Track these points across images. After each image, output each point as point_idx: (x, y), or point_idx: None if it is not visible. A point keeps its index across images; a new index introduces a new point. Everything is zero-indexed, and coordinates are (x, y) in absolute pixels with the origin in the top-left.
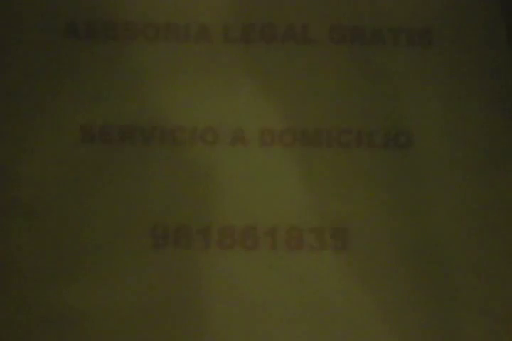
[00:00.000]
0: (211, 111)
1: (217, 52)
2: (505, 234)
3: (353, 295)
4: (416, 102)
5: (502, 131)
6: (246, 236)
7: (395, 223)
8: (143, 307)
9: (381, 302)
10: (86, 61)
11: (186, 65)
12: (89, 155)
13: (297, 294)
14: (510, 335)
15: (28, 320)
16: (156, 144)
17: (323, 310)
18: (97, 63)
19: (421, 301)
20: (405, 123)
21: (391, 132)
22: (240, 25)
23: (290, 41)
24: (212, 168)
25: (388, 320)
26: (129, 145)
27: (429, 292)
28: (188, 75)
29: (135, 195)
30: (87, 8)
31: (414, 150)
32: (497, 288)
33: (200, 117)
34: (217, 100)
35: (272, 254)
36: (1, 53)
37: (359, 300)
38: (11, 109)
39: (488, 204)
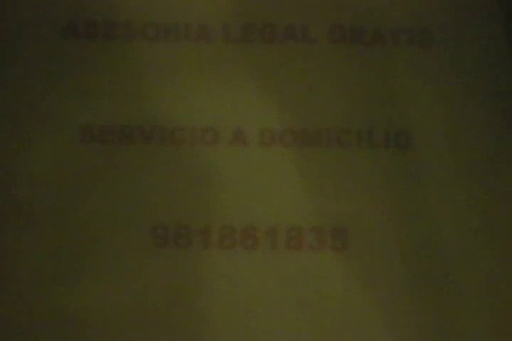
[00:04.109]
0: (211, 111)
1: (217, 52)
2: (506, 234)
3: (352, 295)
4: (416, 102)
5: (502, 131)
6: (246, 236)
7: (395, 223)
8: (143, 307)
9: (381, 302)
10: (86, 61)
11: (186, 64)
12: (89, 155)
13: (297, 294)
14: (511, 335)
15: (28, 320)
16: (156, 144)
17: (323, 310)
18: (96, 63)
19: (421, 301)
20: (405, 123)
21: (391, 132)
22: (240, 25)
23: (290, 41)
24: (212, 168)
25: (388, 319)
26: (129, 145)
27: (429, 292)
28: (188, 75)
29: (135, 194)
30: (87, 8)
31: (414, 150)
32: (497, 288)
33: (200, 117)
34: (217, 100)
35: (272, 254)
36: (1, 53)
37: (359, 300)
38: (10, 109)
39: (488, 204)
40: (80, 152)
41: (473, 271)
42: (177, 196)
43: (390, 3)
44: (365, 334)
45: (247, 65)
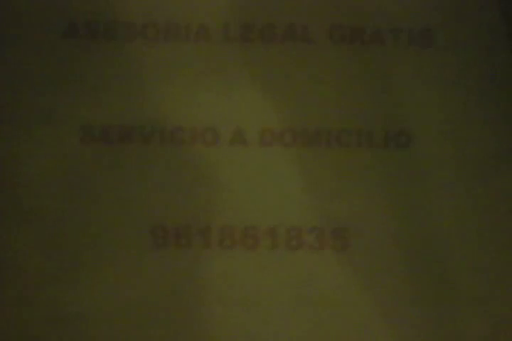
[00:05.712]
0: (211, 111)
1: (217, 52)
2: (505, 234)
3: (353, 295)
4: (416, 102)
5: (502, 131)
6: (246, 236)
7: (395, 223)
8: (143, 307)
9: (381, 302)
10: (86, 61)
11: (186, 64)
12: (89, 155)
13: (297, 294)
14: (511, 335)
15: (29, 320)
16: (156, 144)
17: (323, 310)
18: (97, 63)
19: (421, 301)
20: (405, 123)
21: (391, 132)
22: (240, 25)
23: (290, 41)
24: (212, 168)
25: (388, 319)
26: (129, 145)
27: (429, 292)
28: (188, 75)
29: (135, 194)
30: (87, 8)
31: (414, 150)
32: (497, 288)
33: (200, 117)
34: (217, 100)
35: (271, 254)
36: (1, 53)
37: (359, 300)
38: (10, 109)
39: (488, 204)
40: (80, 152)
41: (474, 271)
42: (177, 196)
43: (390, 3)
44: (365, 333)
45: (247, 64)
